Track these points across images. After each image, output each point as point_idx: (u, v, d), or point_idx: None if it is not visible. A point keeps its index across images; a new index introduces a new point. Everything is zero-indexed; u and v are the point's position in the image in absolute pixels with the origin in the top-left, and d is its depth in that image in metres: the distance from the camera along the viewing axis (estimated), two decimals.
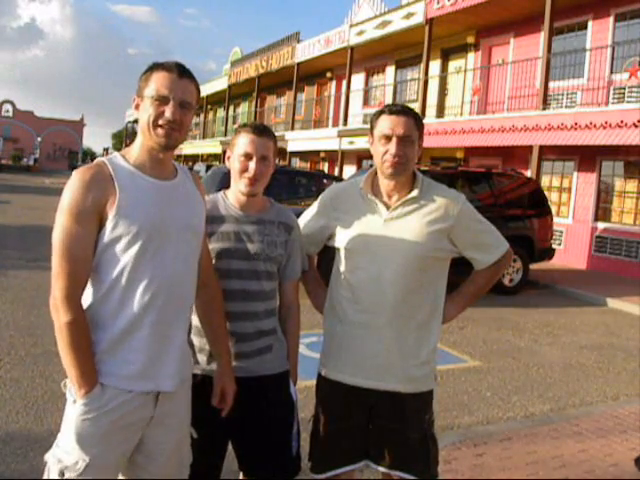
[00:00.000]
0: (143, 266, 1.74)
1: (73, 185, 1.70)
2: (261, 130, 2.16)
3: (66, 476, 1.71)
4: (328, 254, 2.41)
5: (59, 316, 1.68)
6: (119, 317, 1.73)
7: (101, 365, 1.73)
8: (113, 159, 1.80)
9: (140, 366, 1.75)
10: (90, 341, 1.72)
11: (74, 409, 1.72)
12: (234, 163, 2.17)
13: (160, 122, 1.76)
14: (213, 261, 2.15)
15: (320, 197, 2.40)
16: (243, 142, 2.14)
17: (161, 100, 1.75)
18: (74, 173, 1.74)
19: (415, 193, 2.15)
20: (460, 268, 2.68)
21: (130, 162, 1.80)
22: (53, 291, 1.69)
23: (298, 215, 2.39)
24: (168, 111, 1.75)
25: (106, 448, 1.73)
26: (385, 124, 2.12)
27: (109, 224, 1.71)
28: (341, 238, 2.24)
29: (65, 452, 1.72)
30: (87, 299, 1.76)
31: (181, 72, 1.78)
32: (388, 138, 2.11)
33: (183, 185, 1.90)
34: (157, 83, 1.76)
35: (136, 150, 1.83)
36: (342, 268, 2.25)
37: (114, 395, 1.73)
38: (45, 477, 1.75)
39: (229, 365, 2.10)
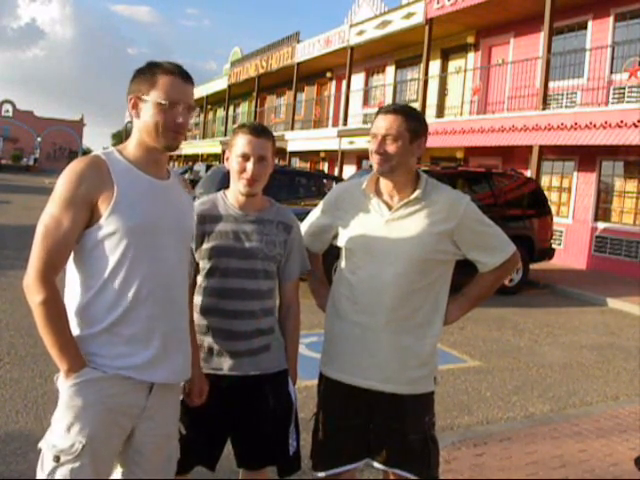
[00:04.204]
0: (139, 262, 1.75)
1: (67, 175, 1.72)
2: (259, 130, 2.16)
3: (62, 460, 1.68)
4: (330, 253, 2.41)
5: (33, 297, 1.67)
6: (115, 310, 1.73)
7: (96, 358, 1.73)
8: (110, 154, 1.81)
9: (135, 359, 1.75)
10: (67, 319, 1.71)
11: (64, 393, 1.72)
12: (232, 164, 2.17)
13: (172, 127, 1.78)
14: (212, 259, 2.17)
15: (325, 197, 2.41)
16: (241, 143, 2.14)
17: (172, 105, 1.77)
18: (70, 164, 1.75)
19: (417, 194, 2.15)
20: (464, 269, 2.65)
21: (127, 158, 1.81)
22: (27, 273, 1.68)
23: (298, 215, 2.40)
24: (180, 116, 1.78)
25: (101, 431, 1.70)
26: (374, 124, 2.16)
27: (104, 218, 1.71)
28: (343, 237, 2.25)
29: (59, 436, 1.70)
30: (81, 293, 1.75)
31: (184, 75, 1.81)
32: (375, 137, 2.14)
33: (176, 187, 1.93)
34: (167, 87, 1.77)
35: (132, 147, 1.84)
36: (344, 267, 2.25)
37: (105, 377, 1.71)
38: (39, 465, 1.73)
39: (199, 364, 2.11)
